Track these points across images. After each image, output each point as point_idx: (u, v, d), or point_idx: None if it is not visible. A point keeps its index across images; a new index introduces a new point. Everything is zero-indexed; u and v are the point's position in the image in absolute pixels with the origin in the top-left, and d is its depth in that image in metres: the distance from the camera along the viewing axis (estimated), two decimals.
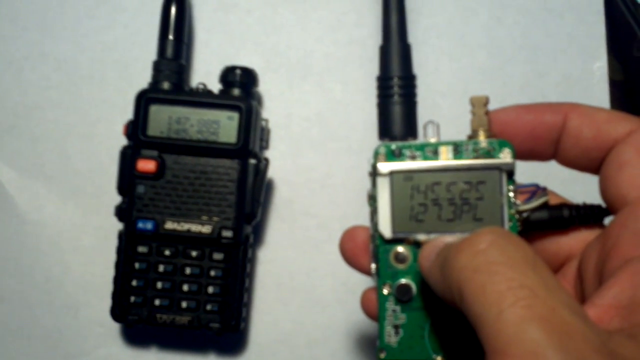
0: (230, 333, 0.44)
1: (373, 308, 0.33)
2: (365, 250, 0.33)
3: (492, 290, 0.23)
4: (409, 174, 0.31)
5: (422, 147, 0.31)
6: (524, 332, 0.22)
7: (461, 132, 0.45)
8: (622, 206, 0.29)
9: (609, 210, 0.30)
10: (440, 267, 0.26)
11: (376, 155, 0.31)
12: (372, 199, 0.31)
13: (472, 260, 0.24)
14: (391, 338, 0.31)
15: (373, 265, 0.32)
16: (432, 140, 0.31)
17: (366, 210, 0.47)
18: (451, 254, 0.25)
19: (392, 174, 0.31)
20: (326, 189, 0.48)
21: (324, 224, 0.47)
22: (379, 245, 0.31)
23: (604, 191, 0.30)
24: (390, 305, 0.31)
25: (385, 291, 0.31)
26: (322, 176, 0.48)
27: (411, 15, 0.48)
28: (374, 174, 0.31)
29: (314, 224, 0.47)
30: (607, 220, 0.30)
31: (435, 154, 0.31)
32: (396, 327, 0.31)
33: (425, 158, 0.31)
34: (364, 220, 0.47)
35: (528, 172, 0.34)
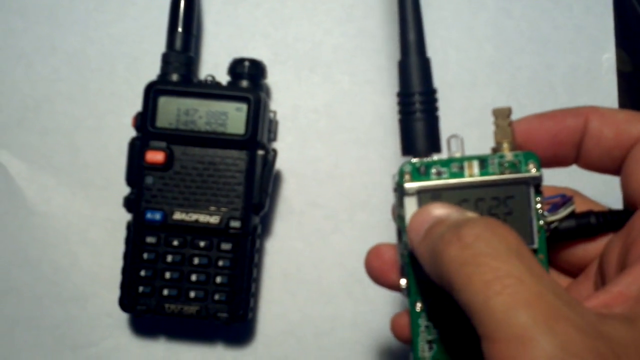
0: (238, 323, 0.44)
1: (404, 332, 0.33)
2: (393, 267, 0.33)
3: (479, 280, 0.23)
4: (436, 192, 0.30)
5: (447, 163, 0.31)
6: (511, 317, 0.22)
7: (468, 124, 0.46)
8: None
9: (632, 210, 0.31)
10: (429, 254, 0.27)
11: (402, 174, 0.31)
12: (400, 218, 0.31)
13: (460, 253, 0.25)
14: (425, 353, 0.31)
15: (403, 282, 0.32)
16: (457, 154, 0.31)
17: (374, 201, 0.47)
18: (440, 246, 0.26)
19: (419, 192, 0.30)
20: (334, 180, 0.48)
21: (331, 215, 0.47)
22: (409, 264, 0.31)
23: (625, 188, 0.30)
24: (423, 321, 0.31)
25: (417, 308, 0.31)
26: (330, 167, 0.48)
27: None
28: (402, 193, 0.31)
29: (321, 215, 0.48)
30: None
31: (461, 170, 0.31)
32: (429, 342, 0.31)
33: (452, 175, 0.31)
34: (371, 211, 0.47)
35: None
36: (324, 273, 0.47)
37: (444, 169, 0.31)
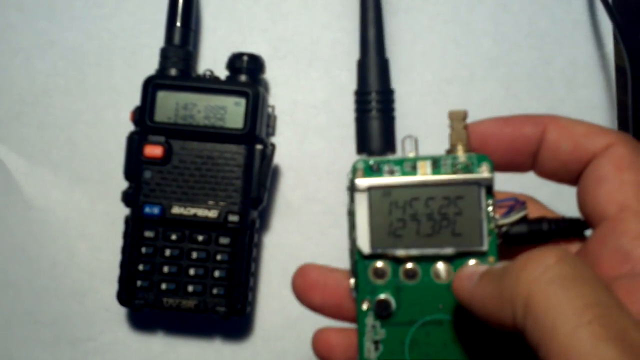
0: (236, 317, 0.44)
1: (329, 352, 0.33)
2: (315, 287, 0.33)
3: (569, 305, 0.22)
4: (387, 189, 0.30)
5: (400, 162, 0.31)
6: (599, 349, 0.21)
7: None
8: (600, 221, 0.28)
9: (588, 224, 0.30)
10: (493, 287, 0.25)
11: (354, 171, 0.31)
12: (351, 214, 0.31)
13: (544, 273, 0.23)
14: (371, 354, 0.31)
15: (352, 281, 0.31)
16: (411, 154, 0.31)
17: None
18: (515, 269, 0.24)
19: (370, 189, 0.30)
20: (331, 175, 0.48)
21: (329, 210, 0.47)
22: (358, 261, 0.31)
23: (582, 205, 0.30)
24: (370, 320, 0.31)
25: (364, 307, 0.31)
26: (328, 162, 0.48)
27: (417, 2, 0.48)
28: (352, 189, 0.31)
29: (319, 210, 0.48)
30: (589, 233, 0.30)
31: (413, 169, 0.31)
32: (376, 342, 0.31)
33: (404, 173, 0.31)
34: None
35: (510, 180, 0.34)
36: None
37: (396, 168, 0.31)
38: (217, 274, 0.43)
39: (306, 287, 0.34)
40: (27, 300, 0.48)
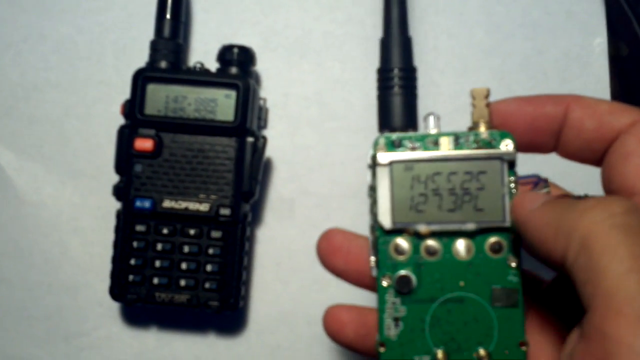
0: (230, 311, 0.44)
1: (340, 328, 0.33)
2: (339, 252, 0.33)
3: (627, 250, 0.23)
4: (409, 163, 0.31)
5: (422, 138, 0.31)
6: None
7: (459, 110, 0.45)
8: (629, 197, 0.28)
9: None
10: (557, 213, 0.26)
11: (376, 146, 0.31)
12: (372, 189, 0.31)
13: (609, 218, 0.24)
14: (391, 331, 0.31)
15: (372, 258, 0.31)
16: (433, 131, 0.31)
17: (364, 189, 0.47)
18: (581, 206, 0.25)
19: (392, 164, 0.31)
20: (324, 168, 0.47)
21: (322, 203, 0.47)
22: (379, 237, 0.31)
23: (607, 183, 0.30)
24: (390, 297, 0.31)
25: (384, 283, 0.31)
26: (321, 155, 0.48)
27: None
28: (374, 164, 0.31)
29: (312, 203, 0.47)
30: None
31: (435, 145, 0.31)
32: (396, 319, 0.31)
33: (426, 149, 0.31)
34: (362, 199, 0.46)
35: (528, 164, 0.33)
36: (315, 261, 0.46)
37: (418, 143, 0.31)
38: (209, 267, 0.43)
39: (330, 252, 0.34)
40: (20, 296, 0.47)
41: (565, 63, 0.48)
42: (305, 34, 0.48)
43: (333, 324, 0.33)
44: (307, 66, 0.48)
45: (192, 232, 0.43)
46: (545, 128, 0.31)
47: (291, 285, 0.47)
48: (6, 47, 0.49)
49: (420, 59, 0.47)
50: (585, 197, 0.26)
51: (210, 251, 0.43)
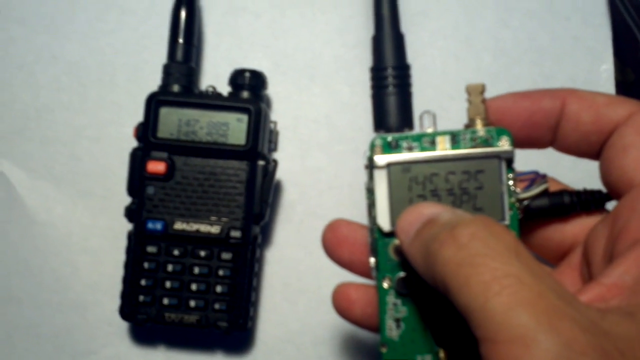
0: (238, 332, 0.44)
1: (348, 306, 0.33)
2: (345, 243, 0.33)
3: (477, 282, 0.23)
4: (406, 165, 0.30)
5: (419, 138, 0.31)
6: (512, 318, 0.22)
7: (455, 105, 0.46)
8: (627, 189, 0.28)
9: (610, 195, 0.30)
10: (422, 255, 0.26)
11: (372, 148, 0.31)
12: (370, 191, 0.31)
13: (456, 254, 0.24)
14: (392, 332, 0.31)
15: (372, 259, 0.31)
16: (429, 130, 0.31)
17: None
18: (433, 247, 0.25)
19: (389, 165, 0.30)
20: (333, 191, 0.48)
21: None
22: (378, 239, 0.31)
23: (606, 175, 0.30)
24: (391, 298, 0.31)
25: (385, 285, 0.31)
26: (330, 178, 0.48)
27: (418, 18, 0.49)
28: (371, 166, 0.31)
29: (321, 225, 0.47)
30: (609, 206, 0.30)
31: (432, 145, 0.31)
32: (397, 320, 0.31)
33: (423, 149, 0.31)
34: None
35: (527, 160, 0.34)
36: (323, 282, 0.47)
37: (415, 144, 0.31)
38: (219, 289, 0.43)
39: (335, 242, 0.34)
40: (30, 314, 0.48)
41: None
42: (316, 57, 0.49)
43: (342, 302, 0.34)
44: (317, 89, 0.49)
45: (202, 253, 0.44)
46: (542, 123, 0.31)
47: (299, 305, 0.47)
48: (18, 67, 0.50)
49: (426, 73, 0.48)
50: (439, 230, 0.25)
51: (220, 272, 0.44)
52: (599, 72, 0.48)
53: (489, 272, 0.23)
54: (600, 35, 0.49)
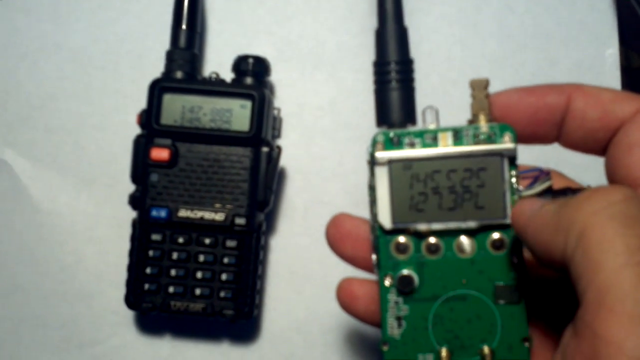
0: (244, 320, 0.44)
1: (352, 301, 0.33)
2: (348, 238, 0.33)
3: (623, 242, 0.22)
4: (408, 162, 0.30)
5: (421, 134, 0.30)
6: (638, 292, 0.21)
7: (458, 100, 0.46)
8: (634, 188, 0.28)
9: None
10: (554, 213, 0.25)
11: (374, 144, 0.31)
12: (371, 188, 0.31)
13: (607, 207, 0.23)
14: (394, 330, 0.31)
15: (373, 257, 0.31)
16: (431, 126, 0.31)
17: None
18: (577, 199, 0.24)
19: (390, 162, 0.30)
20: (338, 177, 0.48)
21: (335, 212, 0.47)
22: (379, 237, 0.31)
23: (611, 173, 0.29)
24: (392, 297, 0.31)
25: (387, 283, 0.31)
26: (334, 164, 0.48)
27: (423, 4, 0.48)
28: (372, 163, 0.30)
29: (326, 212, 0.47)
30: None
31: (434, 141, 0.30)
32: (399, 319, 0.31)
33: (425, 145, 0.30)
34: None
35: (533, 155, 0.33)
36: (329, 270, 0.47)
37: (417, 140, 0.30)
38: (224, 277, 0.43)
39: (339, 237, 0.34)
40: (35, 304, 0.48)
41: (577, 74, 0.48)
42: (319, 44, 0.49)
43: (345, 297, 0.34)
44: (321, 76, 0.49)
45: (207, 241, 0.43)
46: (548, 119, 0.30)
47: (304, 293, 0.47)
48: (22, 56, 0.49)
49: (431, 58, 0.47)
50: (586, 188, 0.25)
51: (225, 260, 0.43)
52: (604, 57, 0.48)
53: (638, 237, 0.22)
54: (606, 20, 0.48)
